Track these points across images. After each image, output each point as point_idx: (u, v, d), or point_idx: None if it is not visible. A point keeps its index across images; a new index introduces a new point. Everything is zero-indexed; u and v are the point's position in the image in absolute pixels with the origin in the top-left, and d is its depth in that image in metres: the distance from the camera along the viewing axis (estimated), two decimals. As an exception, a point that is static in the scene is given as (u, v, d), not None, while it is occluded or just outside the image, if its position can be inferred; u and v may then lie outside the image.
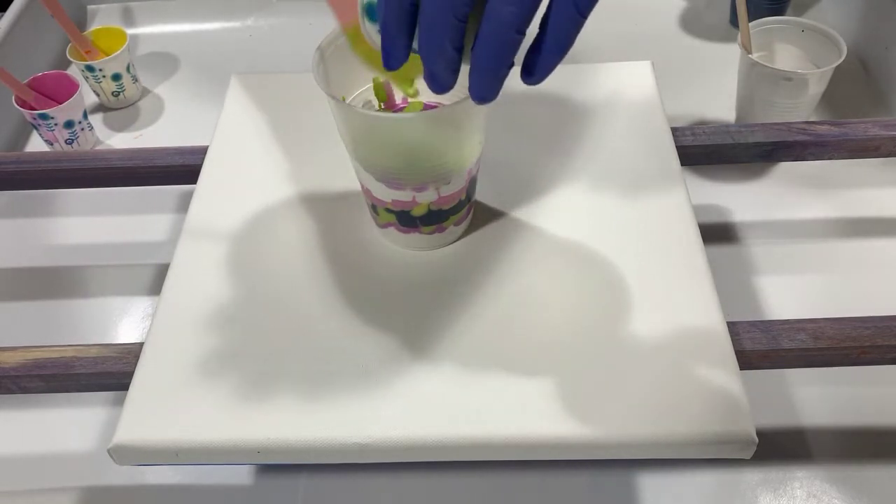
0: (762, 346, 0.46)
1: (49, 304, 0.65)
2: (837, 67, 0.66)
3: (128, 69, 0.81)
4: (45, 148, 0.78)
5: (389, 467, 0.53)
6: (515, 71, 0.35)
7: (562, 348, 0.44)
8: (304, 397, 0.43)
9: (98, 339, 0.61)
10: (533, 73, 0.35)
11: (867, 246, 0.65)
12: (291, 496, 0.52)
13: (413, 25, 0.35)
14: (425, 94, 0.49)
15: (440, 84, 0.35)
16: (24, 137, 0.81)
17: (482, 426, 0.41)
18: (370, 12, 0.37)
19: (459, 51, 0.34)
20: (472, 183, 0.49)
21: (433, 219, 0.48)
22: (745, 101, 0.71)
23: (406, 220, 0.48)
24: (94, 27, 0.84)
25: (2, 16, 0.84)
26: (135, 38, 0.93)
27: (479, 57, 0.34)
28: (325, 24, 0.45)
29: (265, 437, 0.41)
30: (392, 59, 0.36)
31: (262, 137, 0.58)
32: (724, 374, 0.43)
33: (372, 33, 0.38)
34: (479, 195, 0.52)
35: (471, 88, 0.35)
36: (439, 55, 0.34)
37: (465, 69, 0.35)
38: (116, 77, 0.81)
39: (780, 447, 0.53)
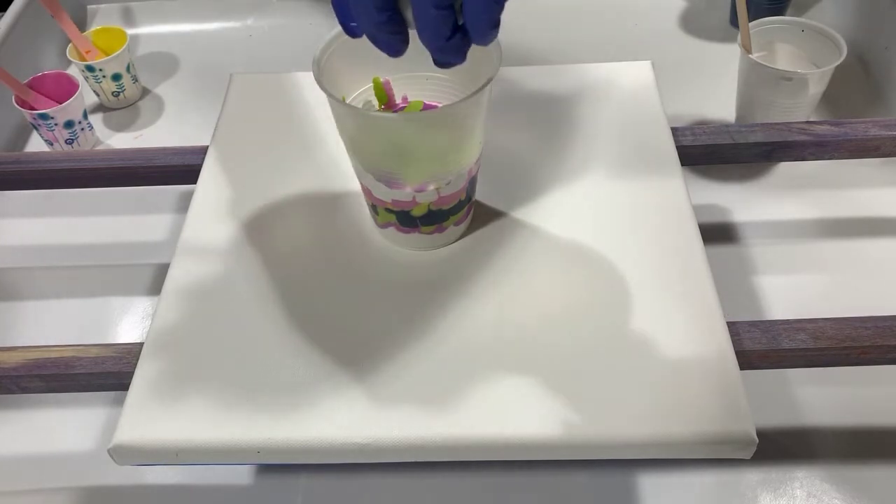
0: (762, 346, 0.46)
1: (49, 304, 0.65)
2: (837, 67, 0.66)
3: (128, 69, 0.81)
4: (45, 148, 0.78)
5: (389, 467, 0.53)
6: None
7: (562, 348, 0.44)
8: (304, 397, 0.43)
9: (98, 339, 0.61)
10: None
11: (867, 246, 0.65)
12: (291, 496, 0.52)
13: None
14: (427, 95, 0.49)
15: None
16: (24, 137, 0.81)
17: (482, 426, 0.41)
18: None
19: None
20: (472, 183, 0.49)
21: (433, 219, 0.48)
22: (745, 101, 0.71)
23: (406, 220, 0.48)
24: (94, 27, 0.84)
25: (2, 16, 0.84)
26: (135, 38, 0.93)
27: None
28: (325, 24, 0.45)
29: (265, 437, 0.41)
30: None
31: (262, 137, 0.58)
32: (724, 374, 0.43)
33: None
34: (479, 195, 0.52)
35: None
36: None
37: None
38: (116, 77, 0.81)
39: (780, 447, 0.53)
